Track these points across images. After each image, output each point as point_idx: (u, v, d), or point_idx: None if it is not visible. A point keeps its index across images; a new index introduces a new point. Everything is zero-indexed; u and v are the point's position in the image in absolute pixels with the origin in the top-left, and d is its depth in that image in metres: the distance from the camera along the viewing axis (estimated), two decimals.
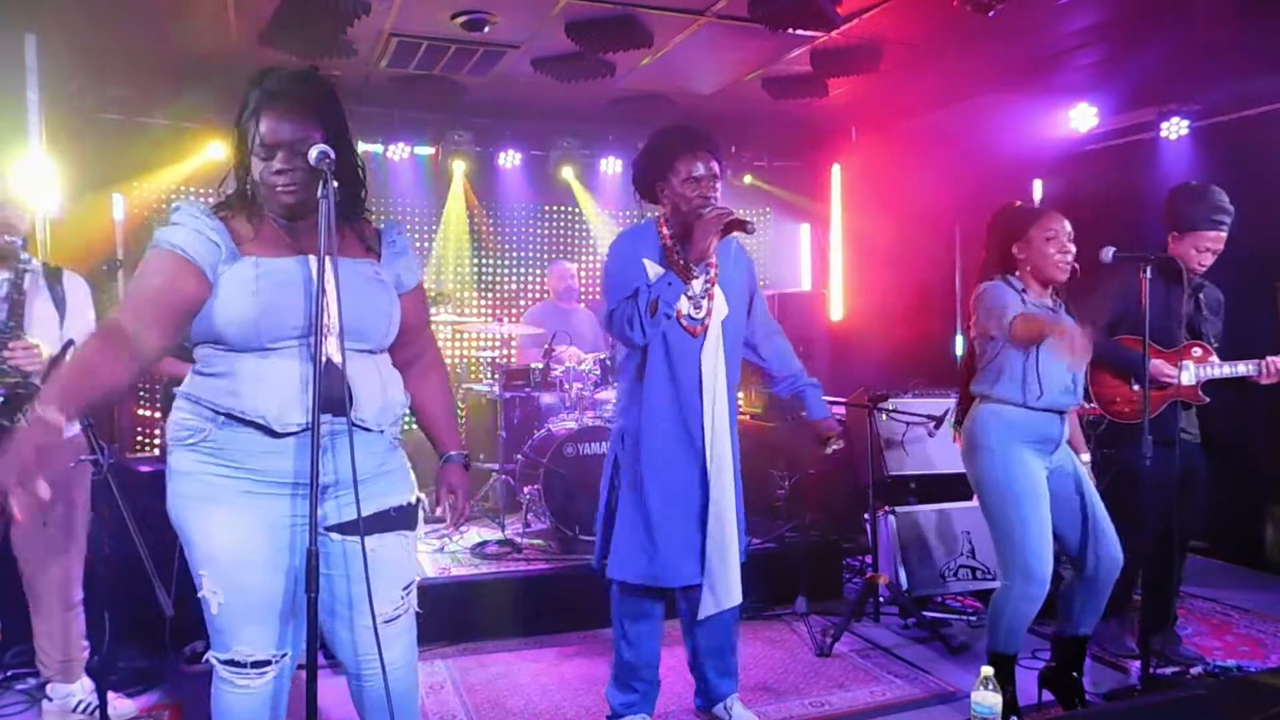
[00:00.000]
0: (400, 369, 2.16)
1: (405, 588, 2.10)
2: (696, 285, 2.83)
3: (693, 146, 2.81)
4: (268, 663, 1.94)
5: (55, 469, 2.88)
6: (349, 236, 2.05)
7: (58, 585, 2.99)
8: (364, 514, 1.93)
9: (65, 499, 2.95)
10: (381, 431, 2.05)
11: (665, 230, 2.87)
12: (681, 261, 2.75)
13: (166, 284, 1.85)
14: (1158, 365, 3.39)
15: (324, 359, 1.85)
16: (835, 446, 3.00)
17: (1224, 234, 3.42)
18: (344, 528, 1.99)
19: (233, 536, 1.89)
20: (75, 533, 3.01)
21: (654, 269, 2.79)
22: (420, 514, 2.17)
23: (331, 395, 1.89)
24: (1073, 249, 2.93)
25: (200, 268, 1.86)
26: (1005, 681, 2.97)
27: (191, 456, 1.91)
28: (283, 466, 1.91)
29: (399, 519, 2.08)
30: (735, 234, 2.78)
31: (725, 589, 2.84)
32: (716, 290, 2.87)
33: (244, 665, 1.92)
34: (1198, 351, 3.47)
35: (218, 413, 1.88)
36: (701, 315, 2.83)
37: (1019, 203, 3.20)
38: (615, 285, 2.83)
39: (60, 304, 2.93)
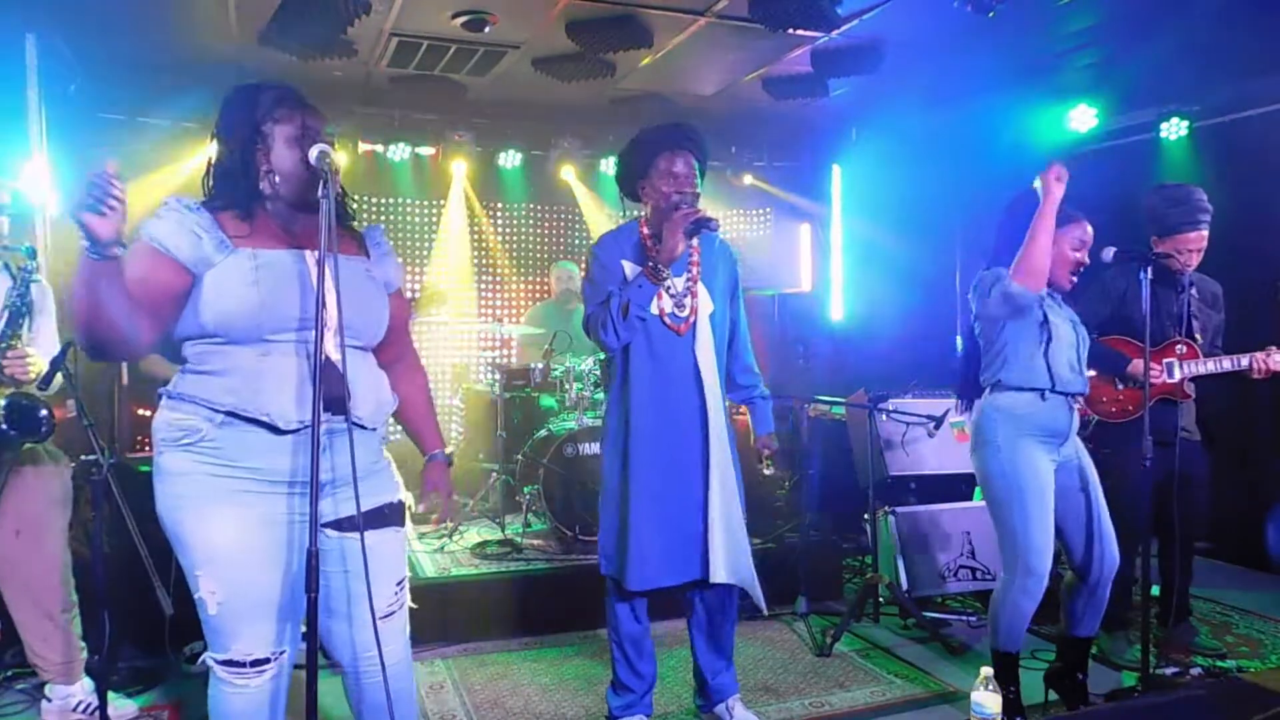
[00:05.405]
0: (384, 368, 2.18)
1: (399, 583, 2.12)
2: (679, 283, 2.81)
3: (673, 144, 2.79)
4: (267, 660, 1.93)
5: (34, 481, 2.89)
6: (345, 234, 2.08)
7: (45, 593, 2.96)
8: (361, 510, 1.95)
9: (41, 506, 2.94)
10: (374, 429, 2.08)
11: (646, 230, 2.85)
12: (651, 264, 2.71)
13: (141, 274, 1.84)
14: (1138, 365, 3.38)
15: (323, 356, 1.85)
16: (768, 471, 3.01)
17: (1205, 232, 3.42)
18: (340, 524, 2.00)
19: (231, 535, 1.88)
20: (55, 540, 2.98)
21: (631, 269, 2.78)
22: (406, 513, 2.20)
23: (332, 393, 1.90)
24: (1084, 259, 2.92)
25: (177, 260, 1.86)
26: (1008, 681, 2.96)
27: (185, 456, 1.89)
28: (281, 464, 1.91)
29: (392, 515, 2.11)
30: (706, 230, 2.71)
31: (735, 564, 2.80)
32: (700, 287, 2.85)
33: (243, 665, 1.92)
34: (1182, 349, 3.49)
35: (216, 411, 1.88)
36: (685, 313, 2.82)
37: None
38: (591, 289, 2.83)
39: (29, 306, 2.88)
